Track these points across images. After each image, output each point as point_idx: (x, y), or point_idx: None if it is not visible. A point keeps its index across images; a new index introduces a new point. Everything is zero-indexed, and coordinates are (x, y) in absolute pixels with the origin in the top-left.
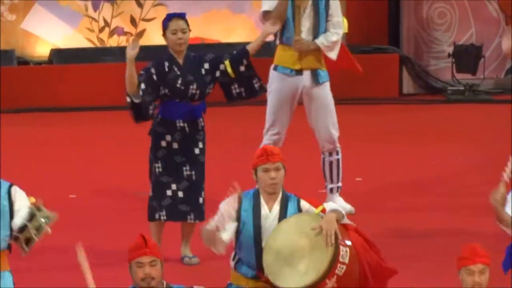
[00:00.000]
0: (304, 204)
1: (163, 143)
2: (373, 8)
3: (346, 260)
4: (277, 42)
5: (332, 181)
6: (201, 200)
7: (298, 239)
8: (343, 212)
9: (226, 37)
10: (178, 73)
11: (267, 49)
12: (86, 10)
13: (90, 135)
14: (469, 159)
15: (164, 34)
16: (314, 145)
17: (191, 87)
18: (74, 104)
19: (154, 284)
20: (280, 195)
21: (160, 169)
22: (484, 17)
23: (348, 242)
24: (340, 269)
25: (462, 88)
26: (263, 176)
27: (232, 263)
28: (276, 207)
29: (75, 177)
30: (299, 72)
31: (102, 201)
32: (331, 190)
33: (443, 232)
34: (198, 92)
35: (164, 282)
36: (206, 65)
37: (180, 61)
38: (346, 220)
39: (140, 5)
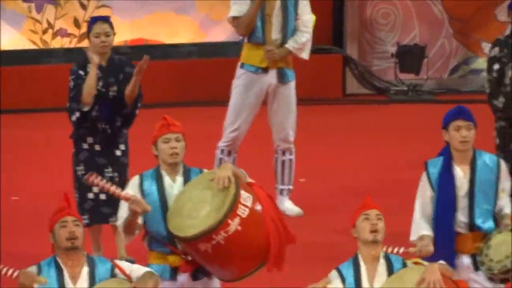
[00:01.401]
0: (207, 171)
1: (85, 146)
2: (317, 8)
3: (249, 204)
4: (245, 40)
5: (283, 182)
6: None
7: (199, 193)
8: (244, 172)
9: (170, 38)
10: (100, 75)
11: (235, 49)
12: (30, 12)
13: (34, 138)
14: (412, 158)
15: (88, 37)
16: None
17: (112, 89)
18: (18, 106)
19: (78, 244)
20: (182, 167)
21: (83, 172)
22: (428, 17)
23: (250, 195)
24: (242, 211)
25: (405, 88)
26: (164, 147)
27: (145, 244)
28: (180, 178)
29: (16, 180)
30: (265, 70)
31: (43, 204)
32: (281, 192)
33: (388, 231)
34: (119, 95)
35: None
36: (128, 69)
37: (103, 63)
38: (249, 179)
39: (84, 7)
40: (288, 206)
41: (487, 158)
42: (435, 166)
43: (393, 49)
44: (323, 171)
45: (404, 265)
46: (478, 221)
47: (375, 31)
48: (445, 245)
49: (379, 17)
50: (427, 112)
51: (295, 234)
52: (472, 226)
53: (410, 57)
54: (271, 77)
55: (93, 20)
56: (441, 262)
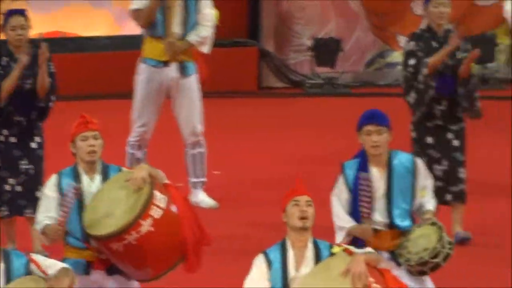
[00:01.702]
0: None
1: (1, 138)
2: (233, 1)
3: (163, 205)
4: (146, 35)
5: (196, 176)
6: (39, 194)
7: (115, 193)
8: (162, 173)
9: (85, 31)
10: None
11: (136, 42)
12: None
13: None
14: (327, 151)
15: (4, 30)
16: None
17: (28, 82)
18: None
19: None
20: (100, 165)
21: None
22: (344, 11)
23: (164, 196)
24: (155, 212)
25: (321, 81)
26: (82, 145)
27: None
28: (98, 177)
29: None
30: (166, 64)
31: None
32: (195, 185)
33: None
34: (34, 87)
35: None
36: None
37: (20, 56)
38: (166, 180)
39: None
40: (202, 198)
41: (403, 158)
42: (351, 168)
43: (309, 43)
44: (238, 164)
45: (330, 251)
46: (397, 221)
47: (291, 25)
48: (362, 244)
49: (295, 11)
50: (343, 105)
51: (211, 236)
52: (390, 225)
53: (326, 51)
54: (173, 70)
55: (9, 13)
56: (369, 250)
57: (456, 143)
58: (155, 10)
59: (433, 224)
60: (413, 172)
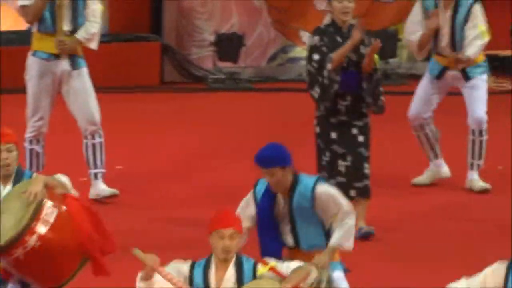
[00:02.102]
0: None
1: None
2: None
3: (51, 219)
4: (33, 30)
5: (96, 166)
6: None
7: (13, 204)
8: (62, 181)
9: None
10: None
11: (24, 37)
12: None
13: None
14: (229, 146)
15: None
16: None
17: None
18: None
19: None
20: (14, 175)
21: None
22: (246, 6)
23: (55, 210)
24: (42, 227)
25: (224, 76)
26: None
27: None
28: (8, 186)
29: None
30: (57, 56)
31: None
32: (95, 175)
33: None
34: None
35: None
36: None
37: None
38: (71, 190)
39: None
40: (102, 187)
41: (303, 186)
42: (263, 186)
43: (211, 38)
44: (141, 159)
45: (255, 271)
46: (303, 245)
47: (193, 20)
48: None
49: (197, 6)
50: (245, 100)
51: (115, 242)
52: (298, 247)
53: (228, 46)
54: (64, 64)
55: None
56: (297, 263)
57: (360, 138)
58: (43, 7)
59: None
60: (311, 202)
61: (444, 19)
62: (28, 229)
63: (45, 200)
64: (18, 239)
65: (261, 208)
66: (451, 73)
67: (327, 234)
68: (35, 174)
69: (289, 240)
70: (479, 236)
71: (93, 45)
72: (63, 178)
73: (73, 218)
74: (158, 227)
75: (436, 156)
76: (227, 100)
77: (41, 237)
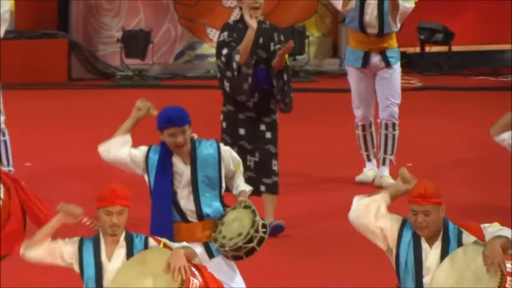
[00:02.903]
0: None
1: None
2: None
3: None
4: None
5: (3, 165)
6: None
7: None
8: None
9: None
10: None
11: None
12: None
13: None
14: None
15: None
16: None
17: None
18: None
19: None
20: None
21: None
22: (153, 2)
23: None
24: None
25: (131, 73)
26: None
27: None
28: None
29: None
30: None
31: None
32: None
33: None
34: None
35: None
36: None
37: None
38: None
39: None
40: None
41: (206, 145)
42: (155, 153)
43: (118, 34)
44: (49, 155)
45: (146, 245)
46: (206, 210)
47: (100, 16)
48: (164, 233)
49: (104, 2)
50: (152, 97)
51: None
52: (200, 215)
53: (135, 42)
54: None
55: None
56: (185, 244)
57: (268, 135)
58: None
59: (247, 207)
60: (217, 157)
61: None
62: None
63: None
64: None
65: (159, 176)
66: (374, 58)
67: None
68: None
69: (190, 207)
70: None
71: None
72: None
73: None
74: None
75: (374, 156)
76: (135, 96)
77: None
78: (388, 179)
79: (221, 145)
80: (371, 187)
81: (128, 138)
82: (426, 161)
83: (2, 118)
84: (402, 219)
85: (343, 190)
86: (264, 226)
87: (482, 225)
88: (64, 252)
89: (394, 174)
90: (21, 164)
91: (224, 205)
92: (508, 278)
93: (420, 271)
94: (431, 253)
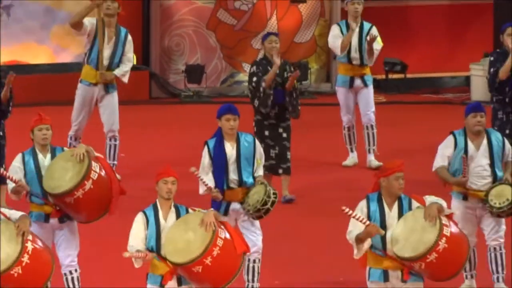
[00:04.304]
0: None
1: None
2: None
3: (97, 170)
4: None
5: (114, 159)
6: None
7: (64, 164)
8: (92, 149)
9: (33, 60)
10: None
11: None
12: None
13: None
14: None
15: None
16: None
17: None
18: None
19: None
20: (50, 147)
21: None
22: (206, 45)
23: (97, 164)
24: (93, 175)
25: (192, 93)
26: (38, 133)
27: (27, 198)
28: (48, 155)
29: None
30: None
31: None
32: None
33: None
34: None
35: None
36: (3, 81)
37: None
38: (97, 154)
39: None
40: None
41: (247, 138)
42: (212, 142)
43: (183, 67)
44: (137, 149)
45: (187, 211)
46: (245, 179)
47: (171, 55)
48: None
49: (173, 45)
50: (207, 110)
51: (125, 188)
52: (240, 182)
53: (194, 73)
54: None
55: None
56: (211, 209)
57: (284, 135)
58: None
59: (261, 183)
60: (253, 147)
61: (354, 34)
62: (87, 175)
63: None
64: (81, 183)
65: (216, 155)
66: (357, 81)
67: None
68: (65, 148)
69: (234, 177)
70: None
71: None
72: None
73: (106, 171)
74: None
75: (353, 150)
76: (195, 110)
77: (94, 182)
78: (374, 162)
79: (256, 139)
80: (354, 169)
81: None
82: (388, 150)
83: (117, 128)
84: (365, 198)
85: (334, 171)
86: (274, 193)
87: (424, 197)
88: (140, 232)
89: (377, 158)
90: (118, 155)
91: (254, 179)
92: (444, 227)
93: (383, 227)
94: (390, 214)
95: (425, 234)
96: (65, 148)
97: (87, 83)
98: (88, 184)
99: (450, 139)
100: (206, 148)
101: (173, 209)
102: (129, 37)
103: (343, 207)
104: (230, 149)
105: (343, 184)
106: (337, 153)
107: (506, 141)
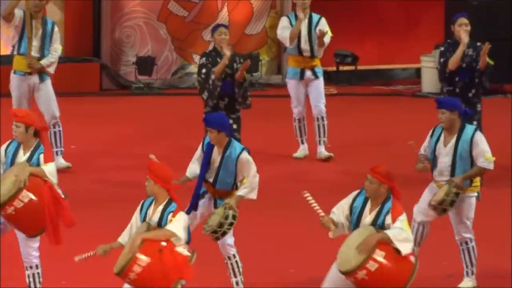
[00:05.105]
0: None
1: None
2: (82, 31)
3: (26, 200)
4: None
5: (60, 146)
6: None
7: (9, 178)
8: (43, 170)
9: None
10: None
11: None
12: None
13: None
14: (135, 135)
15: None
16: None
17: None
18: None
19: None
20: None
21: None
22: (157, 38)
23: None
24: (18, 202)
25: (142, 85)
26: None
27: None
28: (28, 154)
29: None
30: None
31: None
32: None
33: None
34: None
35: None
36: None
37: None
38: (49, 177)
39: None
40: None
41: (236, 148)
42: (208, 138)
43: (134, 59)
44: (86, 140)
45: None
46: (218, 186)
47: (121, 47)
48: (197, 189)
49: (124, 37)
50: (158, 102)
51: (75, 219)
52: (214, 185)
53: (145, 64)
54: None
55: None
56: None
57: (235, 126)
58: None
59: (224, 205)
60: (236, 163)
61: (304, 26)
62: (7, 202)
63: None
64: (1, 206)
65: (205, 152)
66: (307, 73)
67: (235, 184)
68: (41, 156)
69: (210, 178)
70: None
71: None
72: (48, 168)
73: (41, 202)
74: None
75: (304, 142)
76: (145, 102)
77: (16, 209)
78: (324, 154)
79: (243, 154)
80: (304, 161)
81: None
82: (339, 142)
83: (58, 114)
84: (356, 192)
85: (285, 163)
86: (234, 216)
87: (399, 217)
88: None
89: (328, 150)
90: (68, 146)
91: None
92: (371, 262)
93: (357, 225)
94: (368, 216)
95: (354, 257)
96: (41, 155)
97: (22, 73)
98: (10, 210)
99: (432, 129)
100: (202, 142)
101: (162, 206)
102: (56, 29)
103: (305, 192)
104: (216, 154)
105: (294, 176)
106: (288, 145)
107: (477, 144)
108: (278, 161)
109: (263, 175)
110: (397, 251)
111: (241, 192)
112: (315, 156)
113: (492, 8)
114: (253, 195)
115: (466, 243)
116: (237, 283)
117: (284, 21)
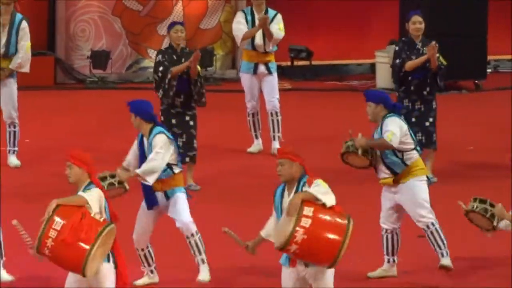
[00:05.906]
0: None
1: None
2: (37, 26)
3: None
4: None
5: (15, 145)
6: None
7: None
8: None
9: None
10: None
11: None
12: None
13: None
14: (79, 130)
15: None
16: None
17: None
18: None
19: None
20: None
21: None
22: (111, 31)
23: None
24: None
25: (97, 79)
26: None
27: None
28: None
29: None
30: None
31: None
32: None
33: None
34: None
35: None
36: None
37: None
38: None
39: None
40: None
41: (155, 131)
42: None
43: (88, 53)
44: (41, 134)
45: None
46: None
47: (76, 41)
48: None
49: (78, 31)
50: (112, 96)
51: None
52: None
53: (100, 58)
54: None
55: None
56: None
57: (191, 123)
58: None
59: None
60: (151, 141)
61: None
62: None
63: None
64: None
65: (138, 144)
66: (261, 67)
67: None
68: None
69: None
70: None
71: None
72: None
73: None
74: None
75: (258, 136)
76: (100, 96)
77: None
78: None
79: (154, 134)
80: (258, 156)
81: None
82: (293, 137)
83: (16, 115)
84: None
85: (239, 158)
86: (112, 176)
87: (314, 181)
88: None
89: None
90: (23, 140)
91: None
92: (304, 218)
93: (280, 210)
94: (287, 199)
95: (286, 224)
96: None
97: None
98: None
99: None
100: (138, 135)
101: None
102: (23, 25)
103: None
104: (146, 144)
105: (248, 170)
106: (242, 139)
107: (386, 124)
108: (232, 155)
109: (217, 169)
110: (323, 205)
111: (141, 167)
112: (269, 151)
113: (446, 4)
114: (143, 173)
115: (428, 227)
116: (202, 261)
117: (239, 16)
